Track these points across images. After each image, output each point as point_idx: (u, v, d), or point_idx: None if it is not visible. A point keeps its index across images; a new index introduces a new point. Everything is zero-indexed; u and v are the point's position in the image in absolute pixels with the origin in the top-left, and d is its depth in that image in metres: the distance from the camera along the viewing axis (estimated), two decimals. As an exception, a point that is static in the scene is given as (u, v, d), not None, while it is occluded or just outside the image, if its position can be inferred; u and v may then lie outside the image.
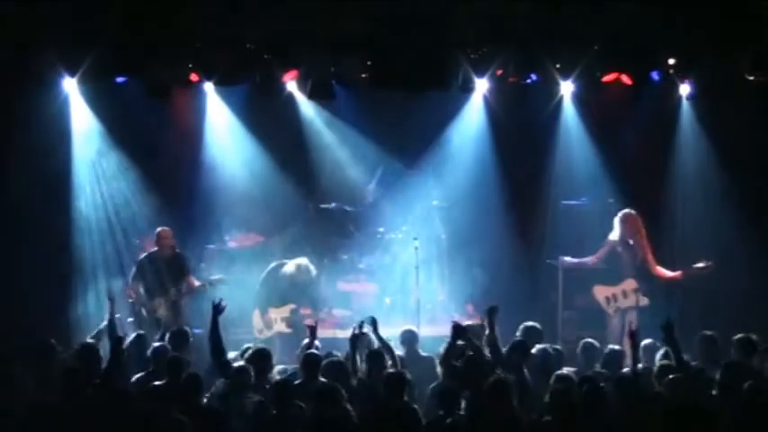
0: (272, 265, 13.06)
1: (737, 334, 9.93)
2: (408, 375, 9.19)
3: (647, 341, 10.20)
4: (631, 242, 12.55)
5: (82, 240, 13.10)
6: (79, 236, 13.15)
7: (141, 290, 12.31)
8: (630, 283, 12.52)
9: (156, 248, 12.46)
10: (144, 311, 12.19)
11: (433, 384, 9.20)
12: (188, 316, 12.32)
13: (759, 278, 13.40)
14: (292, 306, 12.63)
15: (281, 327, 12.54)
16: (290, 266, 12.86)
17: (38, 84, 12.62)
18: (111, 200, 13.49)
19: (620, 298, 12.53)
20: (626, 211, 12.72)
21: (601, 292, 12.66)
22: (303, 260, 12.92)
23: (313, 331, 9.87)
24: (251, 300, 12.83)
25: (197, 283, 12.42)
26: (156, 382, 8.92)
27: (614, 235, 12.66)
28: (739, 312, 12.62)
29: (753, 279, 13.38)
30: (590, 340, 10.30)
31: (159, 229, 12.61)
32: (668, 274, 12.59)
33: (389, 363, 9.32)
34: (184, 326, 11.07)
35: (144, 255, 12.59)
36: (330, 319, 13.38)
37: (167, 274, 12.35)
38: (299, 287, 12.77)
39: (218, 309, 9.47)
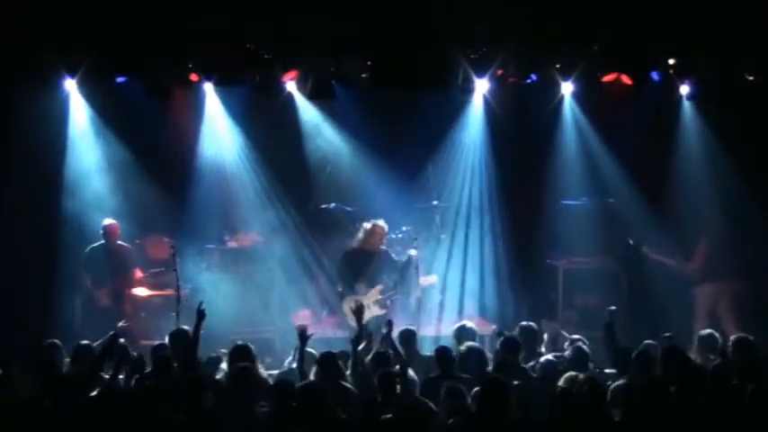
0: (346, 250, 13.04)
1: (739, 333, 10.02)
2: (413, 375, 9.24)
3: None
4: None
5: (78, 240, 13.10)
6: (76, 236, 13.15)
7: (89, 281, 12.80)
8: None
9: (103, 241, 12.93)
10: (91, 302, 12.76)
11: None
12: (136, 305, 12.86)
13: (759, 277, 13.42)
14: (380, 287, 12.62)
15: (374, 311, 12.49)
16: (359, 236, 12.90)
17: (38, 84, 12.62)
18: (109, 200, 13.46)
19: None
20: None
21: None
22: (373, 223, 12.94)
23: (303, 336, 9.59)
24: (259, 298, 13.02)
25: (141, 275, 13.10)
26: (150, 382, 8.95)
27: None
28: (741, 311, 12.65)
29: (753, 278, 13.40)
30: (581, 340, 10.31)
31: (106, 222, 12.97)
32: None
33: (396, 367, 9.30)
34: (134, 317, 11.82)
35: (91, 246, 12.95)
36: (329, 319, 13.41)
37: (113, 265, 12.89)
38: (375, 258, 12.80)
39: (201, 314, 9.50)
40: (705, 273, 13.21)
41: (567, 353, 10.00)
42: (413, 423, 7.94)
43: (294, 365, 9.78)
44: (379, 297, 12.64)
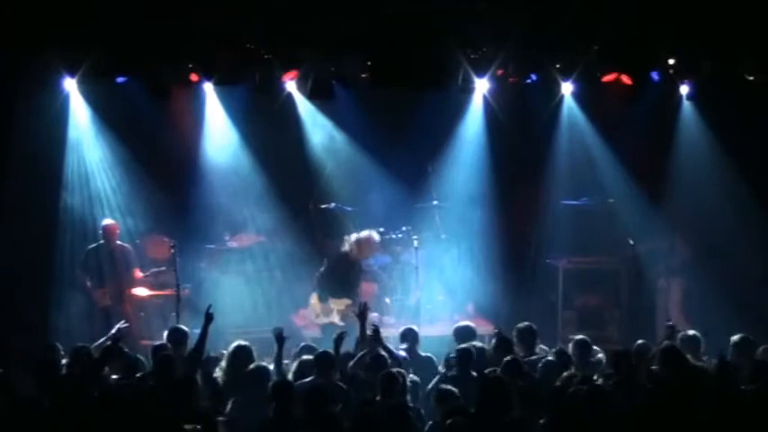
0: (341, 252, 12.85)
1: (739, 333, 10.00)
2: (414, 377, 9.23)
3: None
4: None
5: (79, 240, 13.11)
6: (76, 235, 13.16)
7: (88, 281, 12.78)
8: None
9: (102, 241, 12.90)
10: (91, 302, 12.72)
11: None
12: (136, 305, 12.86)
13: (758, 276, 13.43)
14: (348, 302, 12.45)
15: (335, 318, 12.40)
16: (353, 247, 12.69)
17: (38, 84, 12.63)
18: (109, 200, 13.47)
19: None
20: None
21: None
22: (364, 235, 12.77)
23: (280, 338, 9.59)
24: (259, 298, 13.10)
25: (141, 275, 12.99)
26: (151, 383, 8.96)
27: None
28: (741, 310, 12.65)
29: (751, 277, 13.41)
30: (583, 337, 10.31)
31: (106, 222, 12.98)
32: None
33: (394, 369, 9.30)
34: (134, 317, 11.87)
35: (90, 247, 12.94)
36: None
37: (112, 265, 12.85)
38: (357, 269, 12.74)
39: (210, 317, 9.49)
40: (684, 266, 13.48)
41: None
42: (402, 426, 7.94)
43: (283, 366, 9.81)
44: (343, 309, 12.53)
